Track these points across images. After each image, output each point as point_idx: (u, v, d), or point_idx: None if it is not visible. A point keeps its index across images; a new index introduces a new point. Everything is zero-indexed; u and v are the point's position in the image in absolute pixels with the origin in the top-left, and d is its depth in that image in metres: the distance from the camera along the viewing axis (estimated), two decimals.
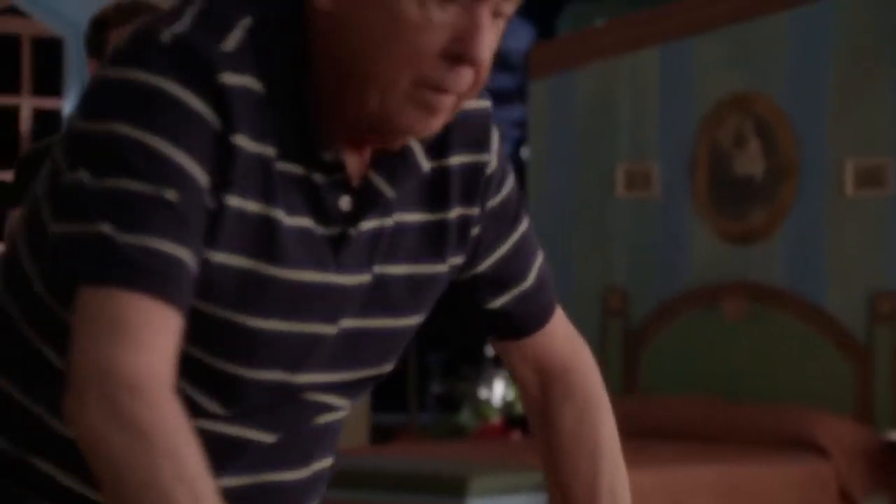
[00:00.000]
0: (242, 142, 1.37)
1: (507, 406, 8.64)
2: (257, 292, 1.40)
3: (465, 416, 8.67)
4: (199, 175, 1.35)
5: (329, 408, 1.52)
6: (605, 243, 7.03)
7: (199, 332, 1.39)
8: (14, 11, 6.29)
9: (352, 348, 1.50)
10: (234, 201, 1.38)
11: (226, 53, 1.37)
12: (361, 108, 1.40)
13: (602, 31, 7.08)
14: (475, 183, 1.54)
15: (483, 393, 8.70)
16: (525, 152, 7.67)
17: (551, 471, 1.64)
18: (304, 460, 1.53)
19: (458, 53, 1.37)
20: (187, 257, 1.33)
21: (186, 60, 1.35)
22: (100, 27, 3.34)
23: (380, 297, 1.49)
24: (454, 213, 1.53)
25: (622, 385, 6.93)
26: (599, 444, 1.64)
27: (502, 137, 1.59)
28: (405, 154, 1.47)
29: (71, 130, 1.39)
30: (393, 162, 1.46)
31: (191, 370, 1.41)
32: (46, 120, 6.87)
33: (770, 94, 6.60)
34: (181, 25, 1.37)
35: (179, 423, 1.27)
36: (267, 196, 1.40)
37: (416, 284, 1.52)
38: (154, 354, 1.29)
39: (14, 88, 6.72)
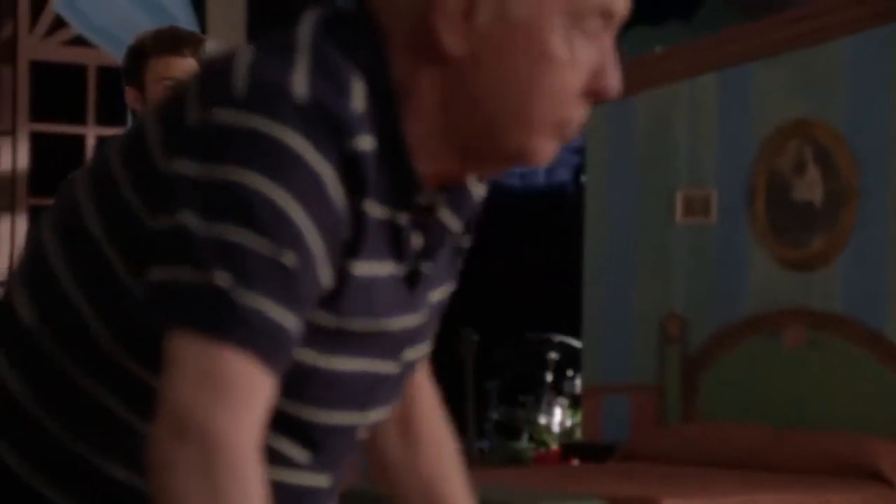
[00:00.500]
0: (368, 207, 1.33)
1: (566, 433, 8.62)
2: (367, 343, 1.39)
3: (524, 443, 8.67)
4: (316, 243, 1.30)
5: (360, 444, 1.52)
6: (663, 270, 7.02)
7: (289, 381, 1.35)
8: (80, 42, 6.37)
9: (401, 383, 1.49)
10: (359, 269, 1.35)
11: (357, 116, 1.31)
12: (500, 146, 1.37)
13: (661, 57, 7.08)
14: (473, 208, 1.52)
15: (542, 419, 8.69)
16: (584, 178, 7.67)
17: (404, 468, 1.62)
18: (335, 496, 1.52)
19: (597, 90, 1.37)
20: (293, 325, 1.29)
21: (323, 123, 1.29)
22: (137, 55, 3.30)
23: (425, 327, 1.48)
24: (460, 236, 1.52)
25: (681, 412, 6.91)
26: (454, 456, 1.64)
27: None
28: (464, 185, 1.45)
29: (153, 166, 1.33)
30: (455, 194, 1.44)
31: (277, 421, 1.37)
32: None
33: (830, 119, 6.58)
34: (305, 80, 1.29)
35: (257, 493, 1.25)
36: (379, 253, 1.36)
37: (438, 309, 1.51)
38: (251, 417, 1.26)
39: (80, 118, 6.81)
